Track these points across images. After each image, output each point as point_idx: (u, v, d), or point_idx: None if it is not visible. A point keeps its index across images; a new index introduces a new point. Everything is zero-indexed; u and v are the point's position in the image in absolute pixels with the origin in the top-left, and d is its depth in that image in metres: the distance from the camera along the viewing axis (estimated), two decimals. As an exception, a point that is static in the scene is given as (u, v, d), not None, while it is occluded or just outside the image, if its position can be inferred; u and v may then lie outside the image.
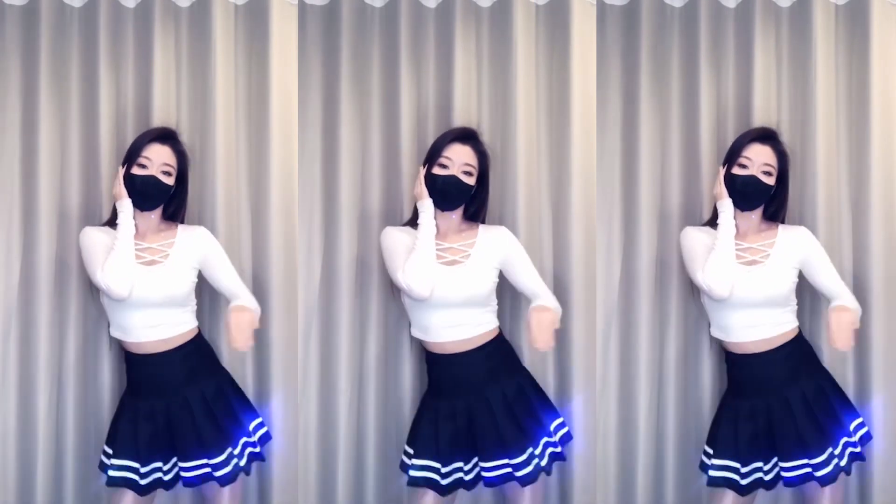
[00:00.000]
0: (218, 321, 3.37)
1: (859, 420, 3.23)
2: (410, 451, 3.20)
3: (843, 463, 3.15)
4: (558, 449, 3.23)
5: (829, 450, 3.12)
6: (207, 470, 3.12)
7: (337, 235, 3.41)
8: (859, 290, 3.39)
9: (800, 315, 3.27)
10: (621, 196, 3.46)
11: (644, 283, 3.43)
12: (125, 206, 3.11)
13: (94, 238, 3.13)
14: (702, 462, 3.27)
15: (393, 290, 3.32)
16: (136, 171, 3.12)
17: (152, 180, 3.12)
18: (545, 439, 3.19)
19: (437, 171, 3.17)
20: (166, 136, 3.19)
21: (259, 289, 3.38)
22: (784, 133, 3.41)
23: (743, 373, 3.20)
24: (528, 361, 3.38)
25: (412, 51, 3.45)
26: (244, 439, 3.18)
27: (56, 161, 3.36)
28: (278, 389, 3.39)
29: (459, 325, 3.14)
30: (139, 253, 3.11)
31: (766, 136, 3.23)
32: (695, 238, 3.22)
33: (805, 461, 3.12)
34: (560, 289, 3.41)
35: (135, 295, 3.06)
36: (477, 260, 3.16)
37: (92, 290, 3.29)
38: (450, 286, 3.12)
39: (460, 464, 3.18)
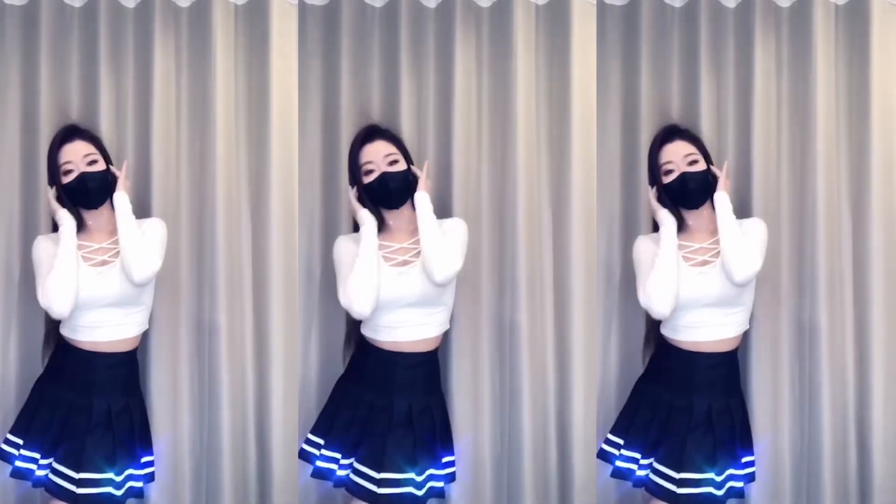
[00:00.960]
0: (217, 307, 3.36)
1: (751, 458, 3.20)
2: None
3: (719, 492, 3.07)
4: (440, 483, 3.16)
5: (711, 474, 3.07)
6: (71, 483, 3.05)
7: (337, 236, 3.41)
8: (859, 290, 3.39)
9: (798, 307, 3.29)
10: (621, 196, 3.46)
11: (644, 283, 3.43)
12: (63, 218, 3.08)
13: (42, 250, 3.10)
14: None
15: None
16: (65, 179, 3.11)
17: (86, 176, 3.11)
18: (431, 471, 3.13)
19: (367, 179, 3.17)
20: (71, 133, 3.18)
21: (259, 289, 3.39)
22: (784, 133, 3.42)
23: (668, 363, 3.18)
24: (528, 359, 3.38)
25: (412, 51, 3.45)
26: (130, 471, 3.11)
27: (56, 161, 3.37)
28: (278, 389, 3.39)
29: (406, 326, 3.11)
30: (89, 255, 3.09)
31: (671, 133, 3.25)
32: (643, 250, 3.20)
33: (673, 473, 3.09)
34: (560, 288, 3.42)
35: (84, 296, 3.03)
36: None
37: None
38: (399, 288, 3.10)
39: (338, 455, 3.16)
